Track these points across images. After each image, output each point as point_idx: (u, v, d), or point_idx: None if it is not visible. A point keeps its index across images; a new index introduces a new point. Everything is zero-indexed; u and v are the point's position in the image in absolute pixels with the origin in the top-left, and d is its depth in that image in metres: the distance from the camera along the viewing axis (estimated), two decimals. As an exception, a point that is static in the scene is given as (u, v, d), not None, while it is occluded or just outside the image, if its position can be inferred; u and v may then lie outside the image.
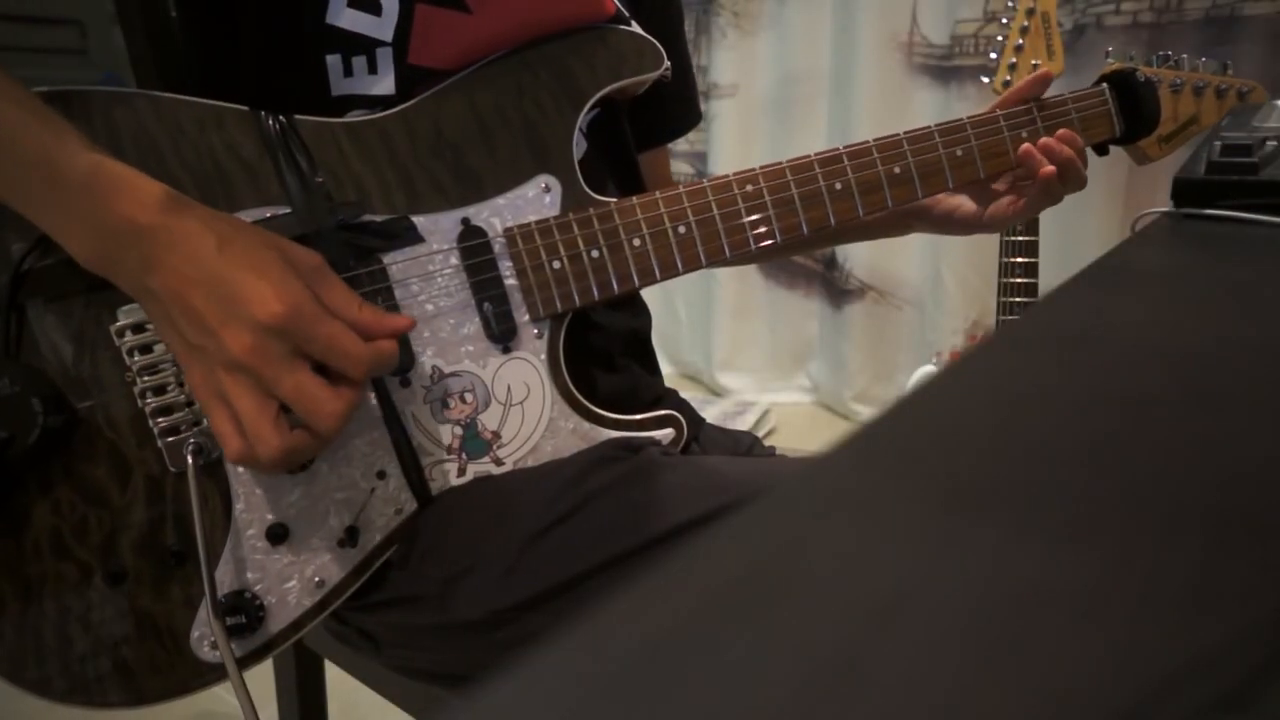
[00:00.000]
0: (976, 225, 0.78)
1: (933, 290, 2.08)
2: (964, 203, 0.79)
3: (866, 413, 2.28)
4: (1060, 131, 0.72)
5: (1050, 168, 0.71)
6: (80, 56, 1.52)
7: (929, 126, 0.70)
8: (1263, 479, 0.23)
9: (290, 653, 0.82)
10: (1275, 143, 0.63)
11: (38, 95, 0.51)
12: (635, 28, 0.69)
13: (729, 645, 0.17)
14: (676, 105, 0.85)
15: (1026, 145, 0.72)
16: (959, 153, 0.70)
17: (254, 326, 0.47)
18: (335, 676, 0.81)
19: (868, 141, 0.68)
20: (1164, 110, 0.77)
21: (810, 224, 0.66)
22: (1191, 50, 0.82)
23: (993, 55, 1.29)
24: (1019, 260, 1.31)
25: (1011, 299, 1.31)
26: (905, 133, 0.69)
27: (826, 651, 0.17)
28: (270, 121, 0.57)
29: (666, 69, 0.66)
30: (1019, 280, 1.31)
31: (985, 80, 1.31)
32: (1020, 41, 1.27)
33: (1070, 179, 0.72)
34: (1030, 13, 1.26)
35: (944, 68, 2.00)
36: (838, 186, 0.67)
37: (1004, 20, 1.29)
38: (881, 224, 0.84)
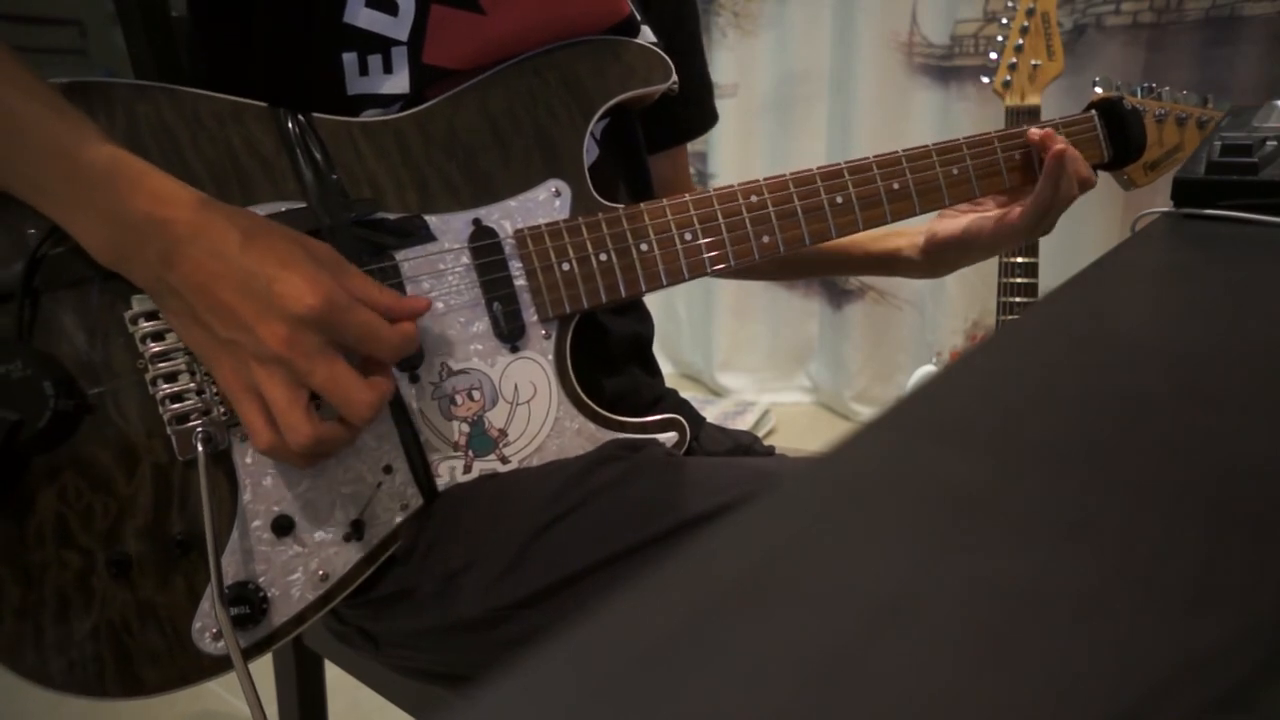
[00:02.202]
0: (969, 243, 0.78)
1: (933, 290, 2.08)
2: (954, 225, 0.79)
3: (866, 413, 2.28)
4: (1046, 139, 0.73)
5: (1061, 146, 0.71)
6: (80, 56, 1.53)
7: (927, 146, 0.72)
8: (1263, 478, 0.24)
9: (290, 652, 0.83)
10: (1275, 143, 0.63)
11: (56, 87, 0.51)
12: (647, 34, 0.70)
13: (729, 645, 0.17)
14: (693, 107, 0.86)
15: (1059, 146, 0.71)
16: (955, 171, 0.72)
17: (289, 319, 0.48)
18: (335, 676, 0.81)
19: (868, 158, 0.70)
20: (1149, 137, 0.79)
21: (813, 236, 0.68)
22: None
23: (993, 55, 1.29)
24: (1019, 260, 1.31)
25: (1011, 299, 1.31)
26: (904, 151, 0.71)
27: (826, 652, 0.17)
28: (288, 119, 0.58)
29: (674, 83, 0.67)
30: (1019, 280, 1.31)
31: (985, 80, 1.31)
32: (1020, 41, 1.27)
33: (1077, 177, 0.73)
34: (1030, 13, 1.27)
35: (944, 68, 1.99)
36: (839, 200, 0.68)
37: (1004, 20, 1.29)
38: (856, 261, 0.85)
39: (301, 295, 0.48)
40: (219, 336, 0.49)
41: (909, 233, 0.83)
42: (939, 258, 0.81)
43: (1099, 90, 0.81)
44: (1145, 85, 0.82)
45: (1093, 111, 0.79)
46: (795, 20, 2.21)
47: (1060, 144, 0.71)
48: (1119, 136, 0.78)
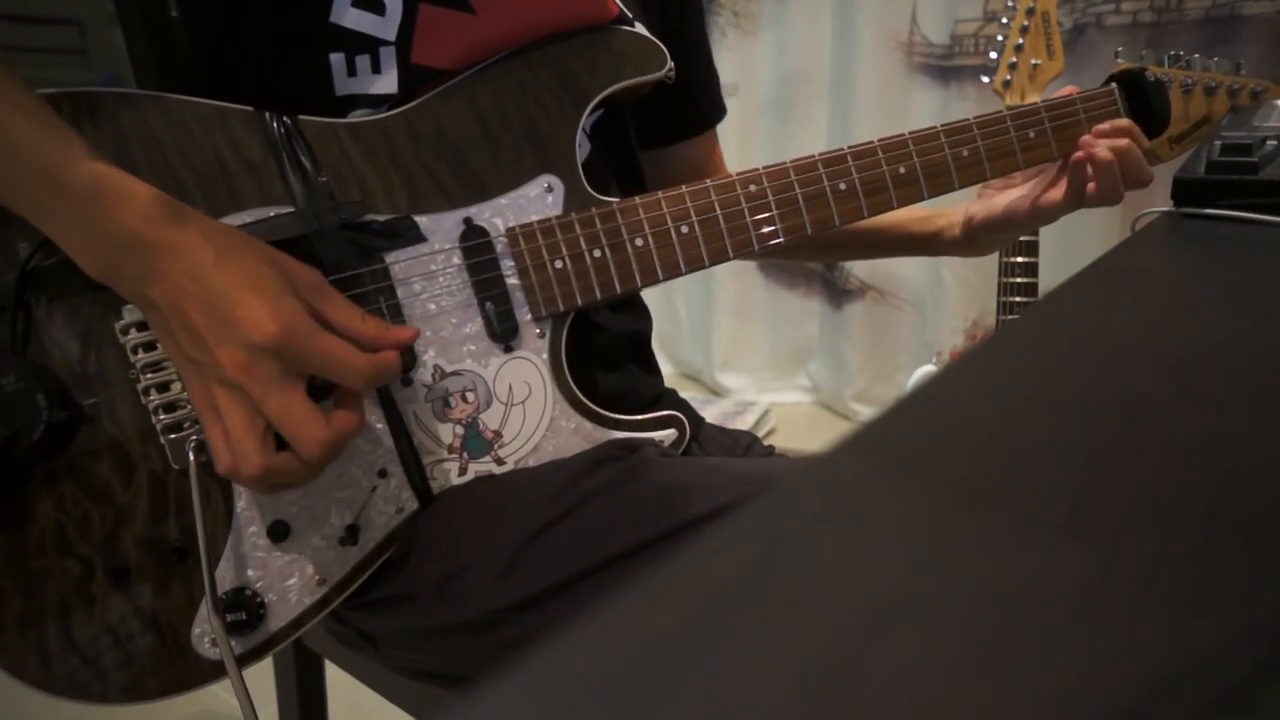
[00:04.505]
0: (1005, 225, 0.77)
1: (933, 290, 2.07)
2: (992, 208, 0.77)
3: (866, 413, 2.28)
4: (1100, 128, 0.71)
5: (1107, 155, 0.69)
6: (80, 56, 1.53)
7: (935, 127, 0.69)
8: (1262, 478, 0.23)
9: (290, 653, 0.82)
10: (1275, 142, 0.63)
11: (45, 99, 0.51)
12: (639, 28, 0.70)
13: (729, 646, 0.17)
14: (706, 97, 0.86)
15: (1079, 154, 0.70)
16: (965, 153, 0.69)
17: (247, 345, 0.47)
18: (335, 676, 0.81)
19: (873, 142, 0.68)
20: (1174, 110, 0.76)
21: (814, 224, 0.66)
22: (1191, 50, 0.81)
23: (993, 55, 1.29)
24: (1019, 260, 1.30)
25: (1011, 299, 1.31)
26: (911, 133, 0.68)
27: (827, 652, 0.17)
28: (274, 122, 0.57)
29: (670, 70, 0.66)
30: (1019, 280, 1.30)
31: (985, 80, 1.30)
32: (1020, 41, 1.27)
33: (1130, 172, 0.70)
34: (1030, 12, 1.26)
35: (944, 68, 1.99)
36: (842, 187, 0.66)
37: (1004, 20, 1.29)
38: (896, 241, 0.84)
39: (260, 322, 0.47)
40: (187, 355, 0.49)
41: (948, 212, 0.81)
42: (978, 238, 0.79)
43: (1121, 61, 0.77)
44: (1173, 54, 0.78)
45: (1113, 84, 0.75)
46: (795, 20, 2.21)
47: (1078, 154, 0.69)
48: (1141, 110, 0.74)
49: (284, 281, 0.49)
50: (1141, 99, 0.75)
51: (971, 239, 0.79)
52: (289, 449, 0.50)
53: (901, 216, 0.80)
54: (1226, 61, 0.79)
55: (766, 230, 0.65)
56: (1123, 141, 0.69)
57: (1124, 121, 0.71)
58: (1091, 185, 0.70)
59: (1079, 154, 0.69)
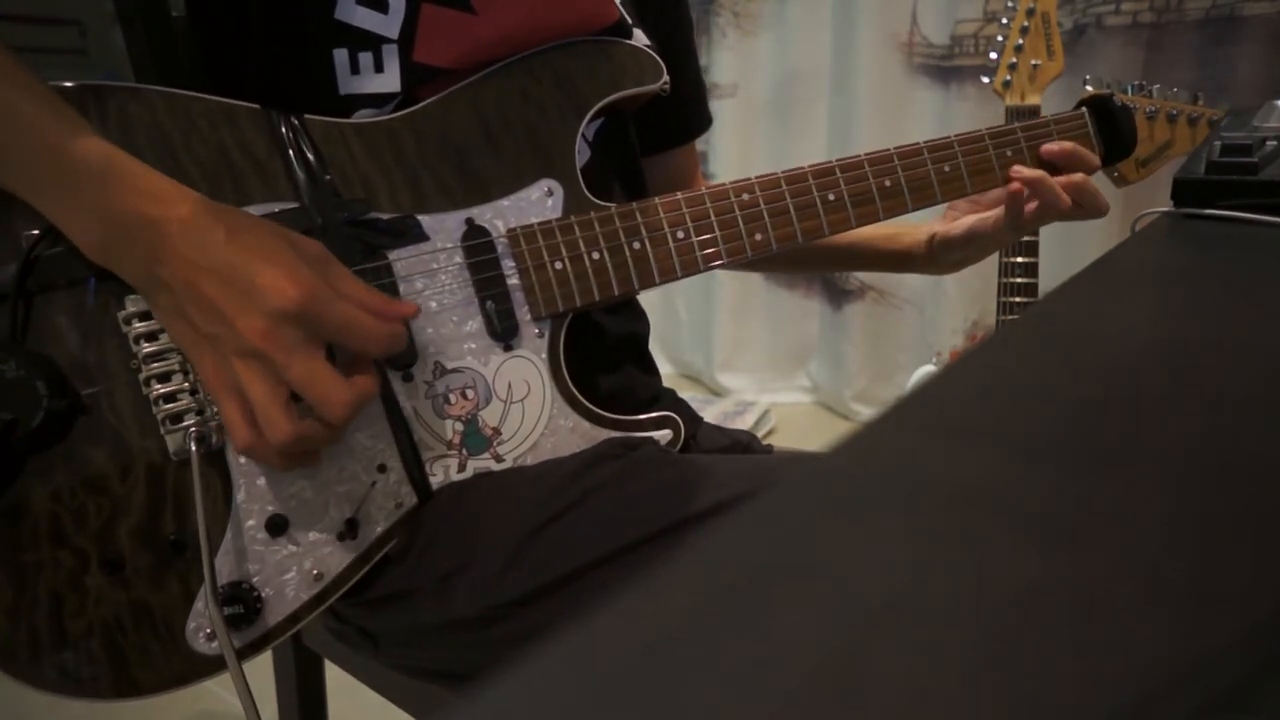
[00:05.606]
0: (969, 244, 0.79)
1: (933, 290, 2.08)
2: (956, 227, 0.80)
3: (866, 413, 2.28)
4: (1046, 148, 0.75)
5: (1016, 185, 0.73)
6: (80, 56, 1.53)
7: (919, 143, 0.72)
8: (1263, 479, 0.23)
9: (290, 652, 0.82)
10: (1275, 143, 0.63)
11: (52, 88, 0.51)
12: (639, 36, 0.71)
13: (729, 646, 0.17)
14: (693, 107, 0.87)
15: (1015, 185, 0.73)
16: (947, 169, 0.73)
17: (269, 313, 0.48)
18: (335, 676, 0.81)
19: (860, 155, 0.70)
20: (1140, 134, 0.80)
21: (805, 234, 0.68)
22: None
23: (993, 55, 1.29)
24: (1019, 260, 1.31)
25: (1011, 299, 1.31)
26: (896, 148, 0.71)
27: (827, 653, 0.17)
28: (281, 120, 0.58)
29: (665, 83, 0.68)
30: (1019, 280, 1.31)
31: (985, 80, 1.31)
32: (1020, 41, 1.27)
33: (1085, 203, 0.74)
34: (1030, 13, 1.27)
35: (944, 68, 1.99)
36: (831, 197, 0.69)
37: (1004, 20, 1.29)
38: (880, 256, 0.86)
39: (282, 289, 0.48)
40: (202, 331, 0.49)
41: (913, 230, 0.84)
42: (941, 257, 0.82)
43: (1090, 89, 0.82)
44: (1136, 84, 0.83)
45: (1083, 109, 0.79)
46: (795, 20, 2.21)
47: (1014, 185, 0.73)
48: (1110, 133, 0.79)
49: (295, 252, 0.50)
50: (1110, 123, 0.79)
51: (932, 257, 0.83)
52: (309, 416, 0.50)
53: (870, 233, 0.83)
54: (1184, 92, 0.84)
55: (759, 238, 0.67)
56: (1077, 177, 0.74)
57: (1068, 145, 0.75)
58: (1031, 205, 0.74)
59: (1014, 185, 0.73)
